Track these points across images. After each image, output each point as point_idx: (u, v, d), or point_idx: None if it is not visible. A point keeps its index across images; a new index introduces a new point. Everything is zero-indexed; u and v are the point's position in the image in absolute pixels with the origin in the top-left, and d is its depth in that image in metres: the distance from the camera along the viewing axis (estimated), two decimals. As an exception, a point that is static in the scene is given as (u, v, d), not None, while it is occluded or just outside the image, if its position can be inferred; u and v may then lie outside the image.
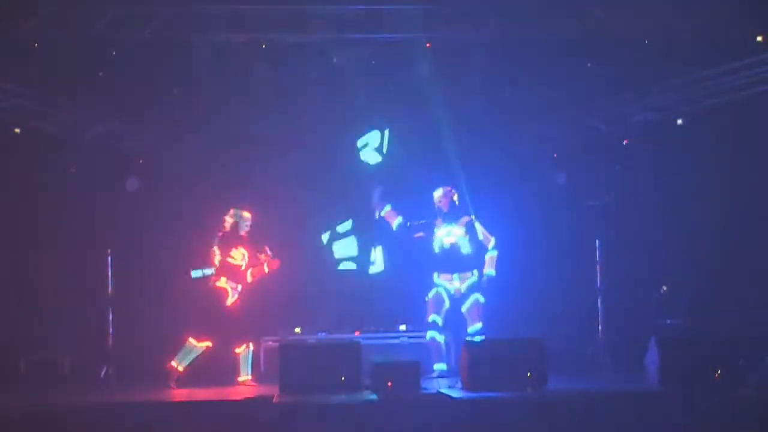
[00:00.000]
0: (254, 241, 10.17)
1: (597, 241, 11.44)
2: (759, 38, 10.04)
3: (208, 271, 9.97)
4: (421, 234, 10.28)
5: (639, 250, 11.59)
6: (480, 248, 10.18)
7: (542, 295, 11.12)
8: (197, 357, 9.84)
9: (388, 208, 10.33)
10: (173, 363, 9.78)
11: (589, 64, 10.78)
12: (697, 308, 10.93)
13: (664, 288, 11.30)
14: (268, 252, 10.16)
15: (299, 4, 9.99)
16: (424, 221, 10.29)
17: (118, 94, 10.73)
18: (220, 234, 10.08)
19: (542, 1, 10.12)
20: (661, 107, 11.22)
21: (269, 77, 10.71)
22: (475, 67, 10.72)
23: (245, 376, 9.93)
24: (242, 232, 10.09)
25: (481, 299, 10.06)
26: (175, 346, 9.87)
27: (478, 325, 9.95)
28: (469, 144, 11.32)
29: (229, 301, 9.95)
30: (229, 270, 9.96)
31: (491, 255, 10.13)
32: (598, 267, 11.43)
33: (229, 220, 10.10)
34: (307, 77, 10.86)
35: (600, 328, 11.35)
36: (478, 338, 9.77)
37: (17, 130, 11.05)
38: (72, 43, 10.06)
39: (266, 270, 10.13)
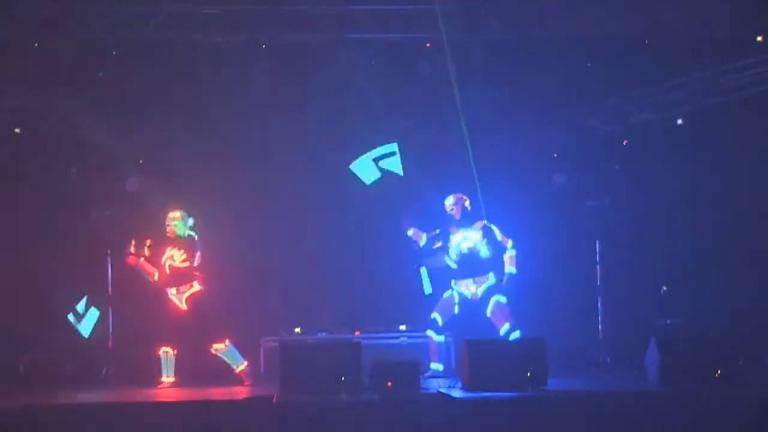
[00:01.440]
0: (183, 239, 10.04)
1: (597, 241, 11.45)
2: (759, 38, 10.04)
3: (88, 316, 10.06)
4: (439, 244, 10.21)
5: (639, 250, 11.58)
6: (498, 250, 10.13)
7: (542, 295, 11.11)
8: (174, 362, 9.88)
9: (411, 231, 10.22)
10: (162, 379, 9.82)
11: (589, 64, 10.77)
12: (697, 308, 10.93)
13: (664, 288, 11.29)
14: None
15: (299, 4, 9.98)
16: (438, 231, 10.23)
17: (118, 93, 10.72)
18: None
19: (542, 1, 10.11)
20: (661, 107, 11.22)
21: (271, 78, 10.67)
22: (474, 67, 10.70)
23: (240, 366, 9.81)
24: (168, 233, 9.97)
25: (503, 300, 10.01)
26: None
27: (506, 326, 9.88)
28: (469, 145, 11.30)
29: (181, 306, 9.90)
30: (167, 279, 9.93)
31: (510, 254, 10.10)
32: (598, 267, 11.44)
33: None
34: (308, 79, 10.84)
35: (600, 328, 11.35)
36: (513, 336, 9.73)
37: (17, 130, 11.04)
38: (72, 43, 10.05)
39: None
